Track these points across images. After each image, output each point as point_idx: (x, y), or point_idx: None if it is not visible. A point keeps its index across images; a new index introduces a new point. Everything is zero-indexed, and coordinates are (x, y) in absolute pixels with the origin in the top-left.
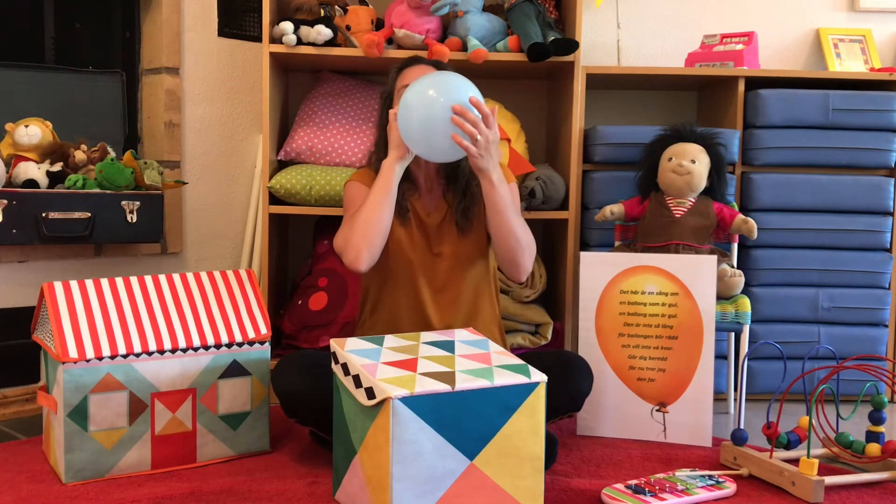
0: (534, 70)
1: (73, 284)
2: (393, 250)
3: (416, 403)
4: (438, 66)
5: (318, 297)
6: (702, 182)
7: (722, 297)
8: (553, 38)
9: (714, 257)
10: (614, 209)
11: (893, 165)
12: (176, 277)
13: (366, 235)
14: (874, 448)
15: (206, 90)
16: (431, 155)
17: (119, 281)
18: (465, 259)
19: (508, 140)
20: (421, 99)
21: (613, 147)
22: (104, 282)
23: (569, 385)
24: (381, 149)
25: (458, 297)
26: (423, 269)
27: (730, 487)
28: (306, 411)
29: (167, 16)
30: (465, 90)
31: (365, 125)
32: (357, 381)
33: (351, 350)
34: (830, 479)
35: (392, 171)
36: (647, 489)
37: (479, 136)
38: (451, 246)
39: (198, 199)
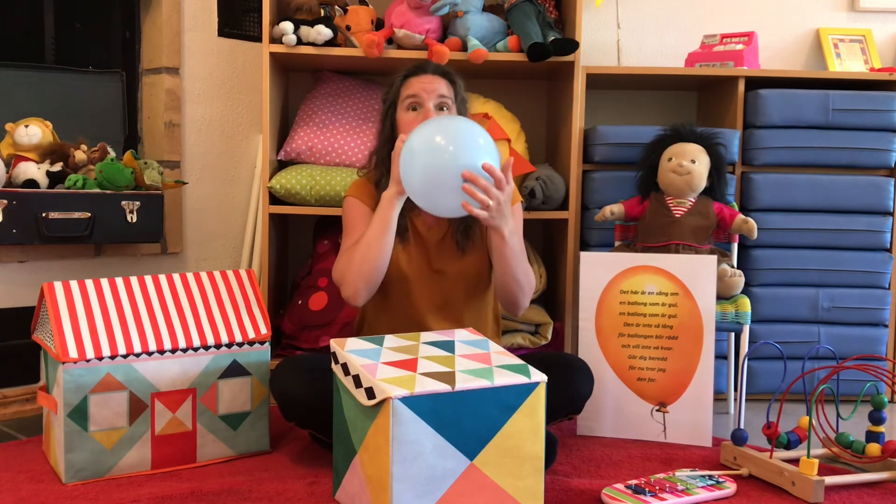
0: (534, 70)
1: (73, 284)
2: (391, 269)
3: (416, 403)
4: (446, 74)
5: (318, 297)
6: (702, 182)
7: (722, 297)
8: (553, 38)
9: (714, 257)
10: (614, 209)
11: (893, 165)
12: (176, 277)
13: (361, 272)
14: (874, 448)
15: (206, 90)
16: (432, 209)
17: (119, 281)
18: (466, 277)
19: (508, 140)
20: (426, 149)
21: (613, 147)
22: (104, 282)
23: (569, 387)
24: (380, 153)
25: (460, 314)
26: (423, 287)
27: (730, 487)
28: (305, 415)
29: (167, 16)
30: (475, 149)
31: (365, 125)
32: (357, 381)
33: (351, 350)
34: (830, 479)
35: (392, 205)
36: (647, 489)
37: (490, 202)
38: (453, 263)
39: (198, 199)
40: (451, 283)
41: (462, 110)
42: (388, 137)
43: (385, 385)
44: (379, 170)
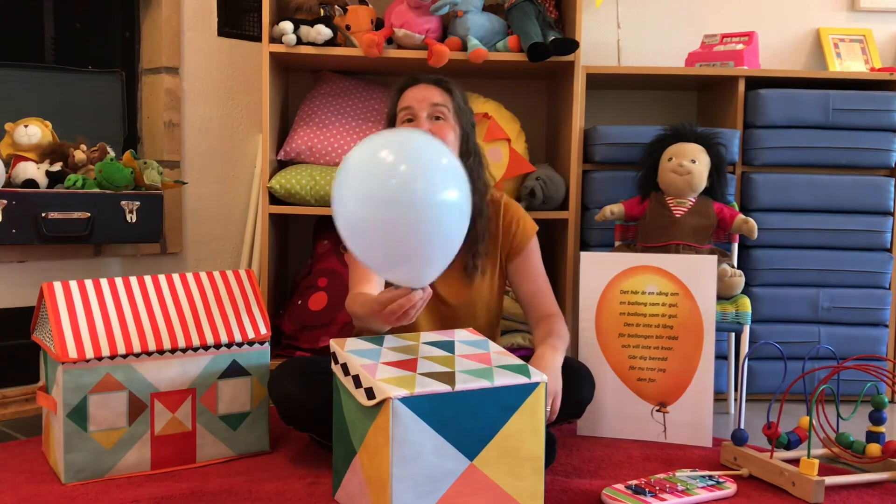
0: (534, 70)
1: (73, 284)
2: None
3: (416, 404)
4: (439, 83)
5: (318, 297)
6: (702, 182)
7: (722, 297)
8: (553, 37)
9: (714, 257)
10: (614, 209)
11: (893, 165)
12: (176, 277)
13: (360, 329)
14: (874, 448)
15: (206, 90)
16: (361, 253)
17: (119, 281)
18: (472, 305)
19: (508, 140)
20: (365, 170)
21: (613, 147)
22: (104, 282)
23: (570, 392)
24: None
25: None
26: (427, 313)
27: (730, 488)
28: (303, 418)
29: (167, 16)
30: (436, 171)
31: (365, 125)
32: (357, 381)
33: (351, 350)
34: (831, 480)
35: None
36: (647, 489)
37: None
38: (458, 292)
39: (198, 199)
40: (456, 311)
41: (464, 121)
42: None
43: (385, 385)
44: None
